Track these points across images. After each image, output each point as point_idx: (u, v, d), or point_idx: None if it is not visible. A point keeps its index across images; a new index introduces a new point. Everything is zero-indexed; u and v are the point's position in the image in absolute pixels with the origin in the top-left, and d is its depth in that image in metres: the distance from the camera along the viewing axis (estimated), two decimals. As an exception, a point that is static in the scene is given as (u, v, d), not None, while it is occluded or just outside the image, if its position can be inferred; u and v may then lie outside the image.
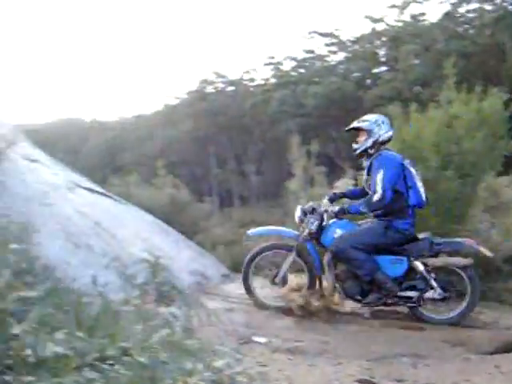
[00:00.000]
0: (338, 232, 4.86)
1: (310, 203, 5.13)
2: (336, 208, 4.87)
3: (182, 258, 6.10)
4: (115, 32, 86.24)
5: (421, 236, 4.81)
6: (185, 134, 30.57)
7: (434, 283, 4.72)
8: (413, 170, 4.80)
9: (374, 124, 4.87)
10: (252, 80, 29.11)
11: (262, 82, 28.47)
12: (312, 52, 26.48)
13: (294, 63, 27.36)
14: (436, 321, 4.74)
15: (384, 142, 4.87)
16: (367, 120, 4.94)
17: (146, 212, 7.46)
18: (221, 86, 29.96)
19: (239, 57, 62.59)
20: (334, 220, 4.95)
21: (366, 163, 4.96)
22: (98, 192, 6.48)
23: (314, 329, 4.52)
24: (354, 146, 5.00)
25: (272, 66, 27.93)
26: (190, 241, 7.52)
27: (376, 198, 4.61)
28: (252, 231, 5.45)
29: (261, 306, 5.05)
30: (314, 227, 4.95)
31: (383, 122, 4.90)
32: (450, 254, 4.84)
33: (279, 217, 8.75)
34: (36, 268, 2.15)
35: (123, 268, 4.63)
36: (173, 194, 11.25)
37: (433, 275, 4.74)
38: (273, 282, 5.09)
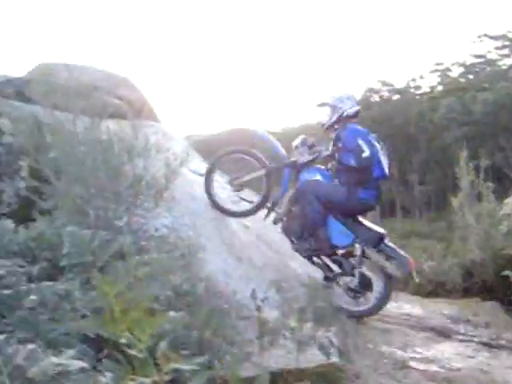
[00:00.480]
0: (318, 177, 5.11)
1: (313, 138, 5.27)
2: (329, 152, 5.07)
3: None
4: (280, 42, 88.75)
5: (377, 228, 5.03)
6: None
7: (357, 273, 4.87)
8: (377, 144, 4.95)
9: (338, 100, 5.14)
10: (418, 88, 28.28)
11: (429, 90, 27.52)
12: (482, 57, 25.03)
13: (462, 69, 26.11)
14: (344, 309, 4.83)
15: (350, 117, 5.08)
16: (333, 96, 5.23)
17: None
18: (386, 94, 29.45)
19: (405, 64, 60.96)
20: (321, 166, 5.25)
21: (332, 135, 5.13)
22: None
23: (476, 355, 4.26)
24: (321, 121, 5.27)
25: (439, 73, 26.89)
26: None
27: (365, 154, 4.77)
28: (257, 131, 5.85)
29: (218, 209, 5.23)
30: (302, 160, 5.17)
31: (348, 98, 5.16)
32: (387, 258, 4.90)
33: (442, 231, 8.34)
34: (198, 290, 2.25)
35: (282, 283, 4.71)
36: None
37: (361, 268, 4.88)
38: (231, 183, 5.35)
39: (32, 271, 2.22)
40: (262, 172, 5.22)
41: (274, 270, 4.83)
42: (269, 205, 5.24)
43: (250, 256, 4.81)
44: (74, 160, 2.90)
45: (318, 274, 5.01)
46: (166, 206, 3.99)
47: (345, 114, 5.09)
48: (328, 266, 5.02)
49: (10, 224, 3.47)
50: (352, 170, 4.84)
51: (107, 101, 5.54)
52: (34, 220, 3.31)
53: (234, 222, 5.25)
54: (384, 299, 4.90)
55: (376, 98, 29.74)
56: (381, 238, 4.91)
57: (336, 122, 5.12)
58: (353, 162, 4.80)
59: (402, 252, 4.96)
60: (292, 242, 5.11)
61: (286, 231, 5.16)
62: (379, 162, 4.90)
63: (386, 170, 4.97)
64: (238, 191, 5.36)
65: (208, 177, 5.24)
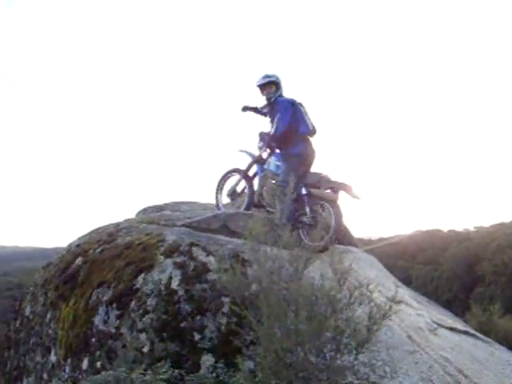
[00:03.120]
0: (277, 163, 6.54)
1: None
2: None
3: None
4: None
5: (315, 171, 6.37)
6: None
7: (307, 210, 6.01)
8: (301, 108, 6.39)
9: (280, 78, 6.58)
10: None
11: None
12: None
13: None
14: (309, 246, 4.76)
15: (263, 86, 6.57)
16: (273, 75, 6.58)
17: (508, 349, 6.78)
18: None
19: None
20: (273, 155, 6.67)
21: (267, 108, 6.66)
22: (459, 331, 6.12)
23: None
24: (269, 95, 6.54)
25: None
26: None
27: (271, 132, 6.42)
28: (241, 149, 7.18)
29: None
30: (264, 154, 6.75)
31: (262, 77, 6.59)
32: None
33: None
34: None
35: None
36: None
37: (309, 204, 6.02)
38: (228, 196, 7.00)
39: None
40: (240, 177, 6.87)
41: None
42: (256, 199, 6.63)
43: (447, 393, 4.43)
44: (276, 305, 2.90)
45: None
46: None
47: (258, 84, 6.54)
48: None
49: (210, 359, 3.58)
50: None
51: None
52: (233, 355, 3.36)
53: (432, 355, 4.87)
54: (336, 228, 5.78)
55: None
56: (320, 176, 6.22)
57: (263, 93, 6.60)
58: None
59: (339, 180, 6.19)
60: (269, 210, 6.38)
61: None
62: (304, 121, 6.29)
63: (310, 127, 6.31)
64: (234, 199, 6.95)
65: (217, 196, 7.09)
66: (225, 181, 7.20)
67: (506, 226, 32.72)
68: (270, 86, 6.58)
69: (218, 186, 7.19)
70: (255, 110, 6.81)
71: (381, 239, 41.01)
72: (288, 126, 6.21)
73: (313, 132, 6.39)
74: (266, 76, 6.61)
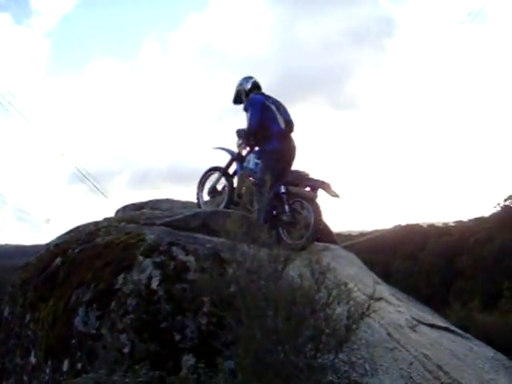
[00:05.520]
0: (256, 160, 6.46)
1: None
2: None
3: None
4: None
5: (294, 169, 6.36)
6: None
7: (286, 208, 5.91)
8: (272, 106, 6.31)
9: (239, 86, 6.76)
10: None
11: None
12: None
13: None
14: (289, 245, 4.97)
15: (250, 90, 6.64)
16: (236, 85, 6.83)
17: (487, 344, 6.86)
18: None
19: None
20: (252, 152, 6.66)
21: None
22: (439, 327, 6.18)
23: None
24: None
25: None
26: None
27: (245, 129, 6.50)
28: (217, 146, 7.27)
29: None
30: (243, 151, 6.77)
31: (244, 78, 6.77)
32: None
33: None
34: None
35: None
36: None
37: (288, 202, 5.93)
38: (209, 193, 7.07)
39: None
40: (219, 174, 6.99)
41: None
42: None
43: (427, 389, 4.46)
44: (254, 305, 2.91)
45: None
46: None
47: (246, 89, 6.66)
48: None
49: (190, 359, 3.58)
50: (257, 133, 6.30)
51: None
52: (214, 355, 3.37)
53: (412, 352, 4.92)
54: (315, 226, 5.65)
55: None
56: (298, 173, 6.29)
57: (246, 98, 6.62)
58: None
59: (318, 178, 6.14)
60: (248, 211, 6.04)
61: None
62: (276, 120, 6.22)
63: (282, 125, 6.22)
64: (214, 197, 7.01)
65: (198, 194, 7.20)
66: (206, 179, 7.22)
67: (484, 220, 33.12)
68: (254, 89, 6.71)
69: (200, 183, 7.23)
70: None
71: (361, 234, 41.39)
72: (259, 122, 6.26)
73: (287, 130, 6.36)
74: (249, 77, 6.80)
